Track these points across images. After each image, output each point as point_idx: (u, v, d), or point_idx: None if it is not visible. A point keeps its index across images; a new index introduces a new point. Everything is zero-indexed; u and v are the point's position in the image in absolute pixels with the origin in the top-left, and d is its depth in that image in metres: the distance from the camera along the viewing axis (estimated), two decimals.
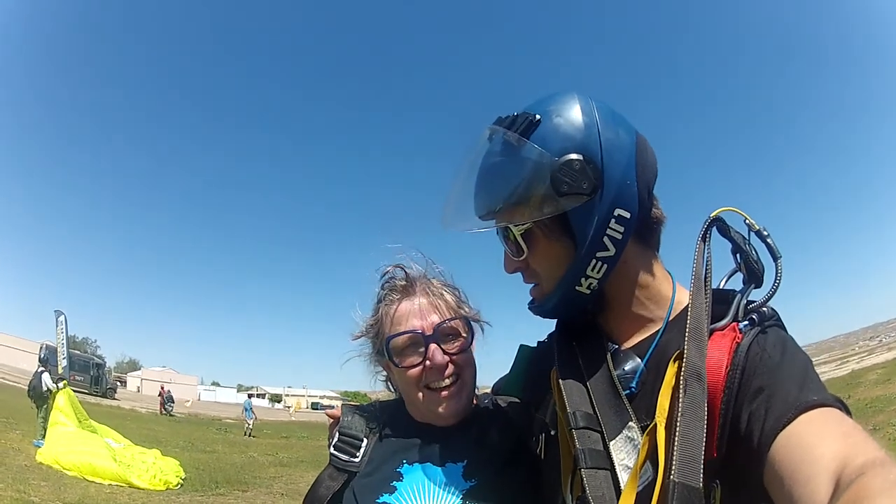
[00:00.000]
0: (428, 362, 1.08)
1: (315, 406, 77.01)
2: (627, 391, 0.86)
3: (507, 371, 1.20)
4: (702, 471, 0.70)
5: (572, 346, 0.96)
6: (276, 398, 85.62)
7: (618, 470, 0.80)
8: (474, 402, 1.21)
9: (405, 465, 1.10)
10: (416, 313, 1.11)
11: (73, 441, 9.25)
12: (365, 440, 1.16)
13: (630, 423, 0.83)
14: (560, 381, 0.91)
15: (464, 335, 1.13)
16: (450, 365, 1.10)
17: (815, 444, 0.64)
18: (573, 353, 0.95)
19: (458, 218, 1.00)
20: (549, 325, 1.06)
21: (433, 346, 1.08)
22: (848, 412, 0.71)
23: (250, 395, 33.03)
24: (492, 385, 1.30)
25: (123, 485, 8.28)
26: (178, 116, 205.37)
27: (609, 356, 0.91)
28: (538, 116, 0.87)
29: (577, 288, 0.89)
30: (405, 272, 1.18)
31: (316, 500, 1.11)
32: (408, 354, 1.11)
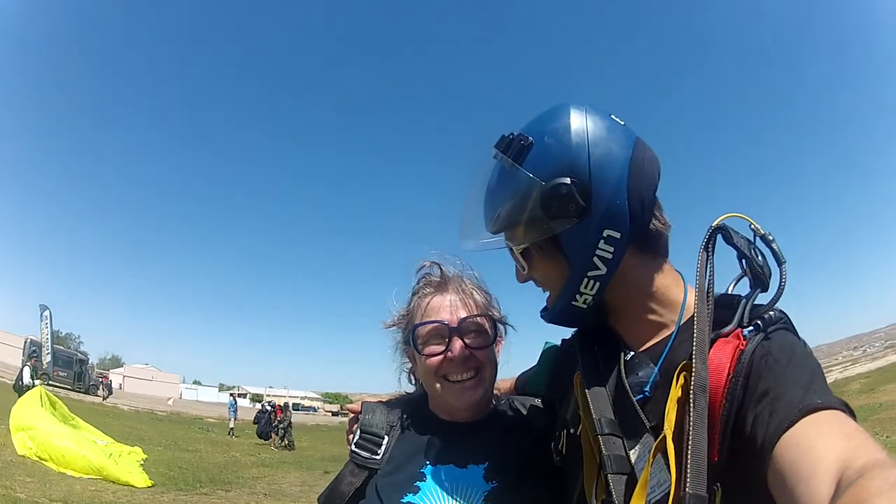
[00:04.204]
0: (449, 353, 1.13)
1: (296, 407, 76.19)
2: (641, 395, 0.88)
3: (533, 366, 1.29)
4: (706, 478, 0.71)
5: (594, 351, 0.99)
6: (257, 398, 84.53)
7: (638, 476, 0.82)
8: (493, 403, 1.27)
9: (428, 465, 1.13)
10: (446, 307, 1.17)
11: (56, 436, 9.15)
12: (386, 437, 1.18)
13: (646, 433, 0.85)
14: (585, 386, 0.93)
15: (488, 333, 1.18)
16: (470, 359, 1.14)
17: (816, 445, 0.64)
18: (595, 358, 0.98)
19: (468, 235, 1.08)
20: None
21: (455, 337, 1.14)
22: (853, 415, 0.71)
23: (232, 395, 32.78)
24: (517, 376, 1.38)
25: (108, 481, 8.25)
26: (165, 111, 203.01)
27: (622, 363, 0.93)
28: (531, 139, 0.91)
29: (573, 303, 0.94)
30: (441, 269, 1.24)
31: (338, 496, 1.14)
32: (431, 343, 1.16)
